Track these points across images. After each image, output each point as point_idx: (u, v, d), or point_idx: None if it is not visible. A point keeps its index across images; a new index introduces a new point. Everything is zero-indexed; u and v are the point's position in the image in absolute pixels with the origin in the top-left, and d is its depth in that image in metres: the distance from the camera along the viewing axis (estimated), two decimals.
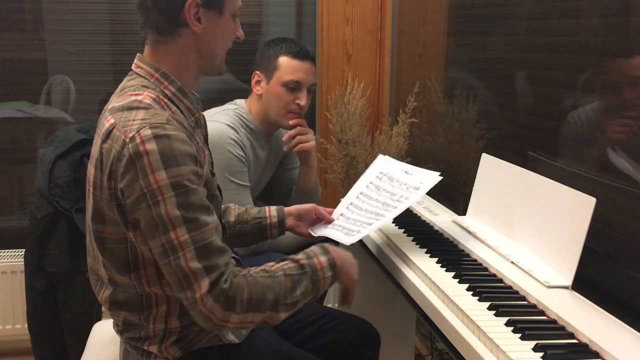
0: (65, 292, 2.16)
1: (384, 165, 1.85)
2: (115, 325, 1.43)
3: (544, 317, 1.25)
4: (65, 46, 2.77)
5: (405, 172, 1.78)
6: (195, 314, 1.20)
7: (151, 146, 1.16)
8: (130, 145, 1.17)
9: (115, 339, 1.68)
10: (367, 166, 2.54)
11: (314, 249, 1.39)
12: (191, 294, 1.18)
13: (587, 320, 1.22)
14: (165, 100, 1.28)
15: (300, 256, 1.35)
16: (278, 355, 1.50)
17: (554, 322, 1.23)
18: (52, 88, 2.82)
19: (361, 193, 1.79)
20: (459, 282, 1.40)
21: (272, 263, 1.32)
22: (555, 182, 1.48)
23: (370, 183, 1.81)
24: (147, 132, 1.17)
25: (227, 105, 2.14)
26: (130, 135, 1.18)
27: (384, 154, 1.94)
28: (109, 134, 1.22)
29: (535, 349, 1.11)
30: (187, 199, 1.18)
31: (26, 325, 2.28)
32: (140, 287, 1.31)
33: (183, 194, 1.17)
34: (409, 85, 2.57)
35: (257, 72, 2.09)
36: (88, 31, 2.75)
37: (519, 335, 1.16)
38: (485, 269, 1.49)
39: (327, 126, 2.75)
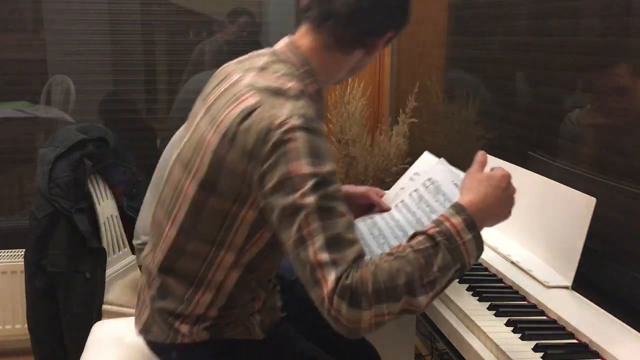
0: (65, 292, 2.16)
1: (436, 170, 1.53)
2: (148, 287, 1.36)
3: (544, 317, 1.25)
4: (65, 46, 2.77)
5: (456, 184, 1.42)
6: (326, 316, 1.08)
7: (301, 136, 1.11)
8: (278, 132, 1.12)
9: (116, 338, 1.68)
10: (367, 166, 2.54)
11: (446, 210, 1.17)
12: (319, 291, 1.07)
13: (587, 320, 1.22)
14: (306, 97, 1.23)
15: (429, 225, 1.15)
16: (300, 354, 1.47)
17: (554, 322, 1.23)
18: (52, 88, 2.82)
19: (402, 201, 1.53)
20: (459, 282, 1.40)
21: (398, 244, 1.16)
22: (555, 182, 1.48)
23: (415, 191, 1.52)
24: (297, 121, 1.12)
25: None
26: (279, 121, 1.13)
27: (384, 154, 1.92)
28: (250, 113, 1.16)
29: (535, 349, 1.11)
30: (326, 190, 1.11)
31: (26, 325, 2.28)
32: (209, 266, 1.25)
33: (323, 185, 1.11)
34: (409, 85, 2.57)
35: None
36: (88, 31, 2.75)
37: (519, 335, 1.16)
38: (485, 269, 1.49)
39: (327, 126, 2.75)
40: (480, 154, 1.28)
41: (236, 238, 1.23)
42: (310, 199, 1.09)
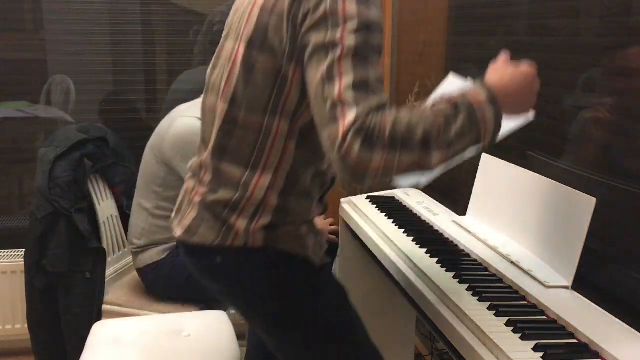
0: (65, 292, 2.16)
1: (449, 82, 1.55)
2: (199, 184, 1.31)
3: (544, 317, 1.25)
4: (65, 46, 2.77)
5: None
6: (334, 155, 1.06)
7: None
8: None
9: (116, 338, 1.68)
10: None
11: (471, 85, 1.18)
12: (334, 129, 1.05)
13: (587, 320, 1.22)
14: None
15: (453, 95, 1.14)
16: (343, 294, 1.43)
17: (554, 322, 1.23)
18: (52, 88, 2.82)
19: None
20: (459, 282, 1.40)
21: (417, 103, 1.14)
22: (555, 182, 1.48)
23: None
24: None
25: (199, 99, 2.11)
26: None
27: None
28: None
29: (535, 349, 1.11)
30: (368, 37, 1.09)
31: (26, 325, 2.28)
32: (264, 139, 1.22)
33: (364, 31, 1.09)
34: (409, 85, 2.57)
35: None
36: (88, 31, 2.75)
37: (519, 335, 1.16)
38: (485, 269, 1.49)
39: None
40: (503, 54, 1.28)
41: (288, 102, 1.20)
42: (350, 40, 1.08)
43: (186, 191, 1.36)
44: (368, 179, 1.06)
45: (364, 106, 1.05)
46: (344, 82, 1.06)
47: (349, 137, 1.03)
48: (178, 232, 1.33)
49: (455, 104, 1.10)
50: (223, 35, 1.38)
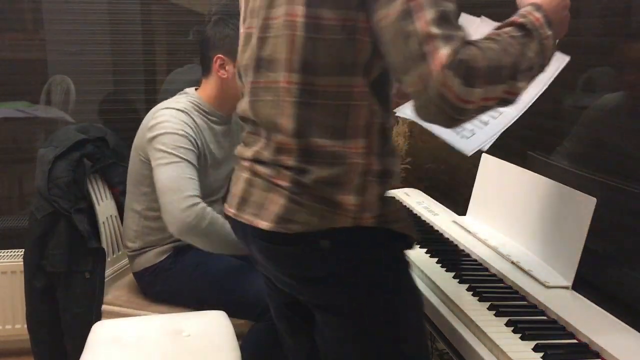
0: (65, 292, 2.16)
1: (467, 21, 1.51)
2: (282, 167, 1.16)
3: (544, 317, 1.25)
4: (65, 46, 2.77)
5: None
6: (429, 95, 0.99)
7: None
8: None
9: (115, 338, 1.68)
10: None
11: (525, 8, 1.15)
12: (425, 66, 0.99)
13: (587, 320, 1.22)
14: None
15: (513, 17, 1.12)
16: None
17: (554, 322, 1.23)
18: (52, 88, 2.82)
19: None
20: (459, 282, 1.40)
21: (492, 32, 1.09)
22: (555, 182, 1.48)
23: None
24: None
25: (177, 96, 2.08)
26: None
27: None
28: None
29: (536, 349, 1.11)
30: None
31: (26, 325, 2.28)
32: (349, 94, 1.12)
33: None
34: None
35: (220, 55, 1.97)
36: (88, 31, 2.75)
37: (519, 335, 1.16)
38: (486, 269, 1.49)
39: None
40: None
41: (361, 57, 1.11)
42: None
43: (250, 183, 1.21)
44: (469, 114, 1.02)
45: (454, 39, 0.99)
46: (427, 17, 0.99)
47: (447, 75, 0.98)
48: (265, 223, 1.15)
49: (523, 26, 1.09)
50: (242, 17, 1.27)
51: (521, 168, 1.63)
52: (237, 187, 1.23)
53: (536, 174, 1.56)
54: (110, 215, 2.33)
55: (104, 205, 2.30)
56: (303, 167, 1.13)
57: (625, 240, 1.46)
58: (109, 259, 2.24)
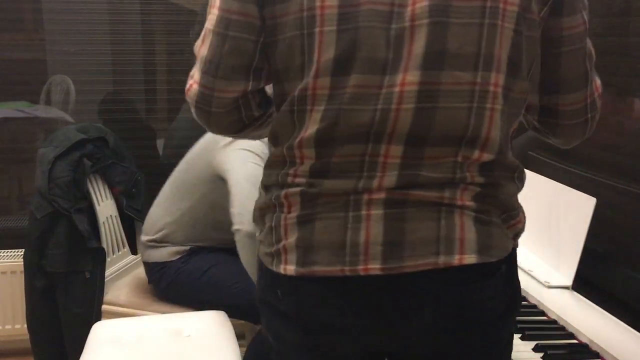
0: (65, 292, 2.16)
1: None
2: (475, 185, 0.95)
3: (544, 318, 1.25)
4: (65, 46, 2.77)
5: None
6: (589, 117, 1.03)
7: None
8: None
9: (115, 338, 1.68)
10: None
11: None
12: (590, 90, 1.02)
13: (588, 320, 1.22)
14: None
15: None
16: None
17: (555, 322, 1.23)
18: (52, 88, 2.82)
19: None
20: None
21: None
22: (555, 182, 1.48)
23: None
24: None
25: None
26: None
27: None
28: None
29: (536, 349, 1.11)
30: None
31: (26, 326, 2.28)
32: (524, 100, 0.99)
33: None
34: None
35: None
36: (88, 31, 2.74)
37: (519, 335, 1.16)
38: None
39: None
40: None
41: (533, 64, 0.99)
42: None
43: (392, 217, 0.93)
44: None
45: None
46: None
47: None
48: (465, 258, 0.92)
49: None
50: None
51: None
52: (362, 232, 0.92)
53: (536, 174, 1.56)
54: (110, 215, 2.33)
55: (104, 205, 2.30)
56: (494, 184, 0.96)
57: (625, 240, 1.46)
58: (109, 259, 2.24)
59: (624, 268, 1.44)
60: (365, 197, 0.92)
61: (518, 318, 1.22)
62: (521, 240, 1.55)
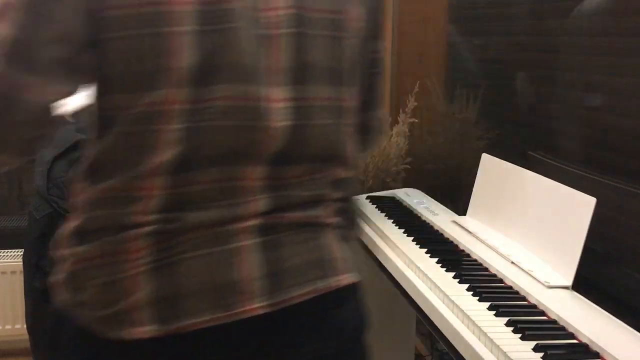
0: None
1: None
2: (335, 201, 0.91)
3: (544, 318, 1.25)
4: None
5: None
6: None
7: None
8: None
9: None
10: (367, 166, 2.53)
11: None
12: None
13: (588, 320, 1.22)
14: None
15: None
16: None
17: (555, 322, 1.23)
18: None
19: None
20: (459, 282, 1.40)
21: None
22: (555, 182, 1.48)
23: None
24: None
25: None
26: None
27: (384, 154, 1.93)
28: None
29: (536, 349, 1.11)
30: None
31: (25, 326, 2.28)
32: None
33: None
34: (409, 86, 2.57)
35: None
36: None
37: (519, 335, 1.16)
38: (486, 269, 1.49)
39: None
40: None
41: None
42: None
43: (267, 245, 0.82)
44: None
45: None
46: None
47: None
48: (344, 279, 0.87)
49: None
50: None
51: (521, 168, 1.63)
52: (239, 268, 0.79)
53: (536, 174, 1.56)
54: None
55: None
56: (349, 197, 0.94)
57: (625, 240, 1.46)
58: None
59: (624, 268, 1.44)
60: (236, 226, 0.79)
61: (518, 318, 1.22)
62: (521, 240, 1.55)
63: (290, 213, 0.83)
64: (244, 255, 0.79)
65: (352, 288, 0.88)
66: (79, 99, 0.84)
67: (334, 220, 0.88)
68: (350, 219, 0.93)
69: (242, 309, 0.78)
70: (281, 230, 0.82)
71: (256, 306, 0.78)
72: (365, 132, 1.00)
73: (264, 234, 0.81)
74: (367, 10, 0.90)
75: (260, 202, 0.81)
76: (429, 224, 1.85)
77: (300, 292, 0.81)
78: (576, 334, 1.17)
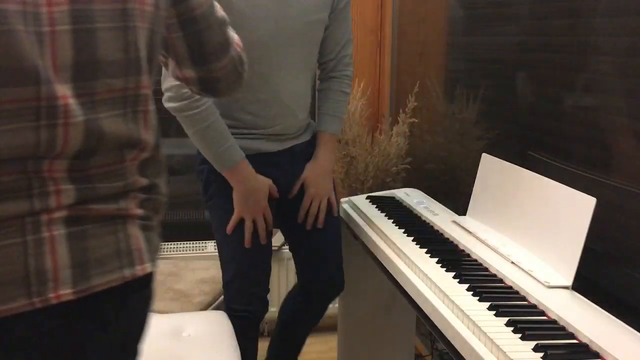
0: None
1: None
2: (140, 191, 0.98)
3: (544, 318, 1.25)
4: None
5: None
6: (237, 71, 1.17)
7: None
8: None
9: None
10: (367, 166, 2.54)
11: None
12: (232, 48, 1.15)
13: (588, 320, 1.22)
14: None
15: None
16: None
17: (555, 322, 1.23)
18: None
19: None
20: (459, 282, 1.40)
21: None
22: (555, 182, 1.48)
23: None
24: None
25: None
26: None
27: (384, 154, 1.94)
28: None
29: (536, 349, 1.11)
30: None
31: None
32: None
33: None
34: (409, 85, 2.57)
35: None
36: None
37: (519, 335, 1.16)
38: (486, 269, 1.49)
39: None
40: None
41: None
42: None
43: (73, 237, 0.87)
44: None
45: None
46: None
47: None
48: (145, 268, 0.93)
49: None
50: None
51: (521, 168, 1.63)
52: (48, 257, 0.83)
53: (536, 174, 1.56)
54: None
55: None
56: (152, 184, 0.98)
57: (625, 240, 1.47)
58: None
59: (624, 268, 1.45)
60: (45, 217, 0.83)
61: (518, 318, 1.22)
62: (521, 240, 1.55)
63: (95, 205, 0.87)
64: (52, 246, 0.83)
65: (150, 276, 0.96)
66: None
67: (139, 212, 0.93)
68: (154, 208, 0.98)
69: (51, 295, 0.82)
70: (87, 222, 0.87)
71: (62, 293, 0.83)
72: (212, 82, 1.13)
73: (71, 225, 0.85)
74: None
75: (66, 195, 0.85)
76: (429, 224, 1.85)
77: (103, 281, 0.87)
78: (576, 334, 1.17)
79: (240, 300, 1.81)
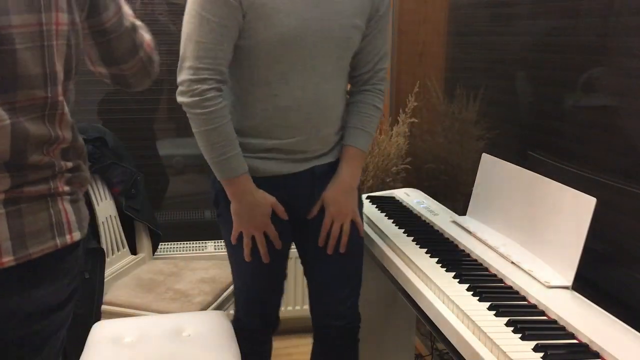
0: None
1: None
2: (67, 171, 1.20)
3: (545, 318, 1.25)
4: None
5: None
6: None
7: None
8: None
9: (115, 339, 1.68)
10: (367, 166, 2.54)
11: None
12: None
13: (588, 320, 1.22)
14: None
15: None
16: None
17: (555, 322, 1.23)
18: None
19: None
20: (459, 282, 1.40)
21: None
22: (555, 182, 1.48)
23: None
24: None
25: None
26: None
27: (384, 154, 1.93)
28: None
29: (536, 349, 1.11)
30: None
31: None
32: None
33: None
34: (409, 85, 2.57)
35: None
36: None
37: (519, 335, 1.16)
38: (486, 269, 1.49)
39: None
40: None
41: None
42: None
43: (11, 215, 1.09)
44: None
45: None
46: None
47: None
48: (75, 236, 1.16)
49: None
50: None
51: (521, 168, 1.63)
52: None
53: (536, 174, 1.56)
54: (110, 216, 2.33)
55: (103, 206, 2.30)
56: (75, 166, 1.18)
57: (625, 240, 1.46)
58: (108, 259, 2.24)
59: (624, 268, 1.44)
60: None
61: (518, 318, 1.22)
62: (521, 240, 1.55)
63: (28, 188, 1.07)
64: None
65: (79, 242, 1.17)
66: None
67: (67, 188, 1.14)
68: (79, 183, 1.18)
69: None
70: (22, 202, 1.07)
71: (5, 260, 1.05)
72: (124, 78, 1.33)
73: (8, 205, 1.06)
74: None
75: (3, 182, 1.05)
76: (429, 224, 1.85)
77: (38, 249, 1.08)
78: (576, 334, 1.17)
79: (244, 317, 1.77)
